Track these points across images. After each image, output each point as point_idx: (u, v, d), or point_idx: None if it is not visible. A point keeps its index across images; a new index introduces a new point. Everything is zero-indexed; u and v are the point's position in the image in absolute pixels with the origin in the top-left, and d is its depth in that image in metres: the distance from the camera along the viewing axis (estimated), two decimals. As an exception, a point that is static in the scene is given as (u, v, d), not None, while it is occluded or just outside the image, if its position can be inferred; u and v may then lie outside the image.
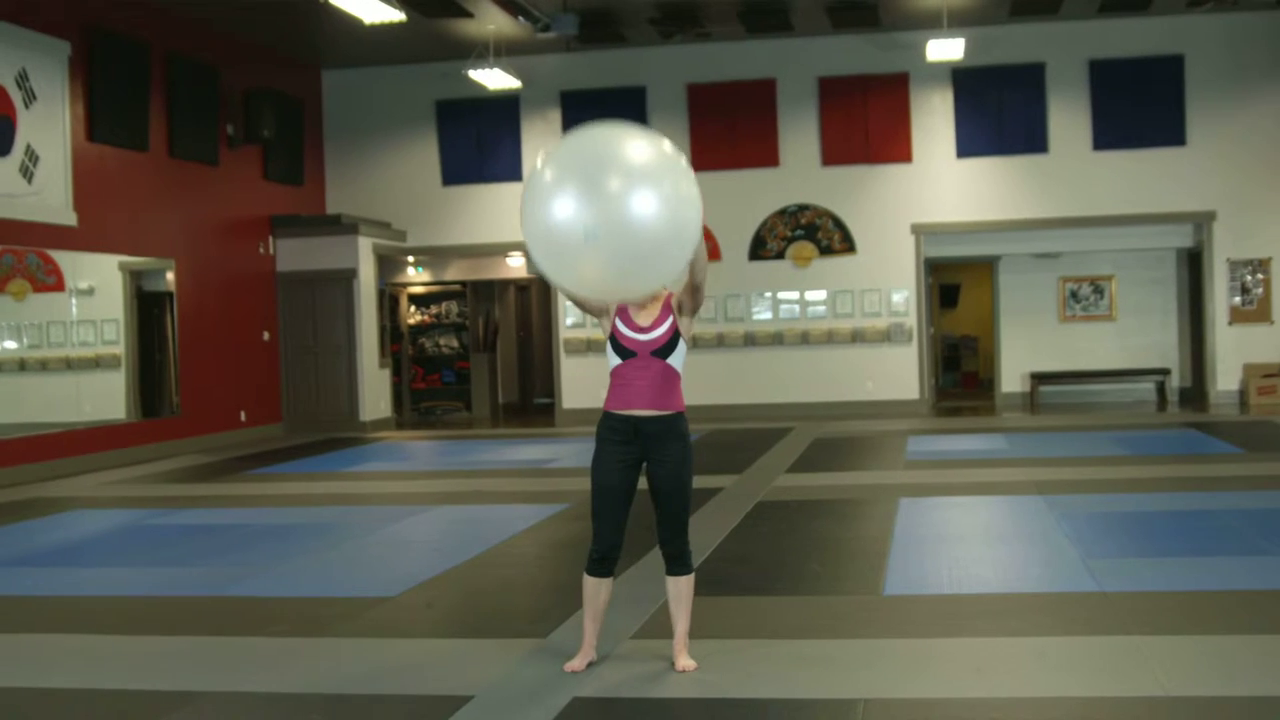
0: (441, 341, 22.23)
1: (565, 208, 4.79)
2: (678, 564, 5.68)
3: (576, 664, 5.67)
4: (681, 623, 5.71)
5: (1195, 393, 20.14)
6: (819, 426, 17.33)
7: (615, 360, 5.62)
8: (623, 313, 5.60)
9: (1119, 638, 5.91)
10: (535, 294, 24.09)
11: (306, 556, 8.84)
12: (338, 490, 12.61)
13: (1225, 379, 19.29)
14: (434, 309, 22.33)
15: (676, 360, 5.59)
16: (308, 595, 7.54)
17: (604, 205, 4.78)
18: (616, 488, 5.63)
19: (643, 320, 5.57)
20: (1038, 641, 5.93)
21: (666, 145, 4.97)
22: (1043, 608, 6.62)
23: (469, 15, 17.16)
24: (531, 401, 23.93)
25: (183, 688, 5.66)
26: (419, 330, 22.32)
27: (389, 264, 20.72)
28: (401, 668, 5.87)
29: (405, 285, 22.15)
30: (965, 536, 8.93)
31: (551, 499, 11.27)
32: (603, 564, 5.68)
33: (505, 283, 22.99)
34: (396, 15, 15.13)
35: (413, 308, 22.35)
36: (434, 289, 22.27)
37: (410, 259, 21.48)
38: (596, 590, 5.69)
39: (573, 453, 15.33)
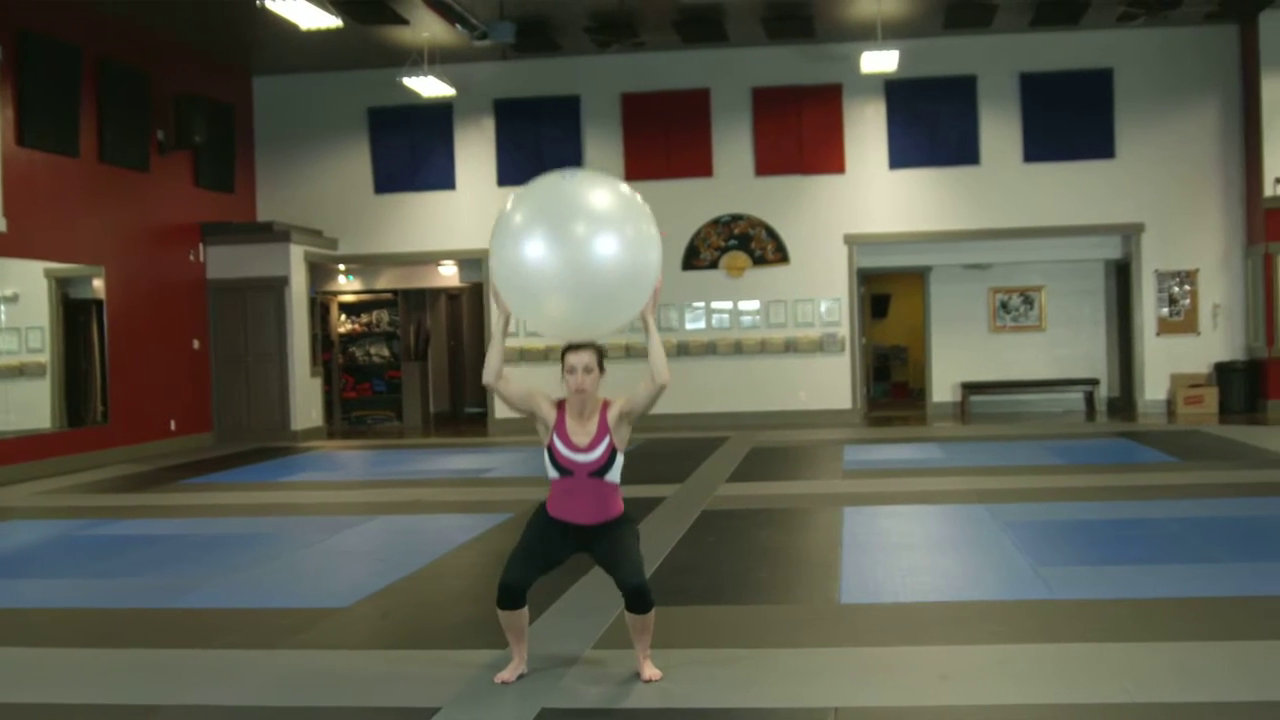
0: (372, 350, 22.06)
1: (533, 249, 5.15)
2: (640, 599, 5.54)
3: (507, 674, 5.64)
4: (642, 645, 5.67)
5: (1123, 402, 20.38)
6: (754, 436, 17.36)
7: (553, 473, 5.63)
8: (559, 428, 5.58)
9: (1080, 645, 5.94)
10: (466, 302, 23.98)
11: (251, 568, 8.71)
12: (274, 500, 12.45)
13: (1153, 389, 19.53)
14: (365, 317, 22.15)
15: (614, 475, 5.62)
16: (257, 606, 7.43)
17: (570, 248, 5.12)
18: (543, 554, 5.67)
19: (579, 439, 5.55)
20: (999, 649, 5.94)
21: (626, 190, 5.34)
22: (1000, 615, 6.64)
23: (404, 22, 17.05)
24: (462, 411, 23.81)
25: (144, 701, 5.56)
26: (349, 339, 22.14)
27: (319, 272, 20.54)
28: (364, 679, 5.79)
29: (336, 293, 21.96)
30: (913, 545, 8.95)
31: (491, 509, 11.20)
32: (508, 596, 5.60)
33: (437, 291, 22.86)
34: (333, 21, 15.02)
35: (343, 316, 22.17)
36: (365, 297, 22.10)
37: (341, 267, 21.30)
38: (510, 620, 5.66)
39: (508, 462, 15.26)
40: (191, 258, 18.68)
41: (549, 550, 5.65)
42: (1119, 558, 8.16)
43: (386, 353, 22.02)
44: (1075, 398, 20.83)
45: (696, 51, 19.68)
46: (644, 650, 5.68)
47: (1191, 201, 19.41)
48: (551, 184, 5.34)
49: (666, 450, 15.91)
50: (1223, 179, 19.33)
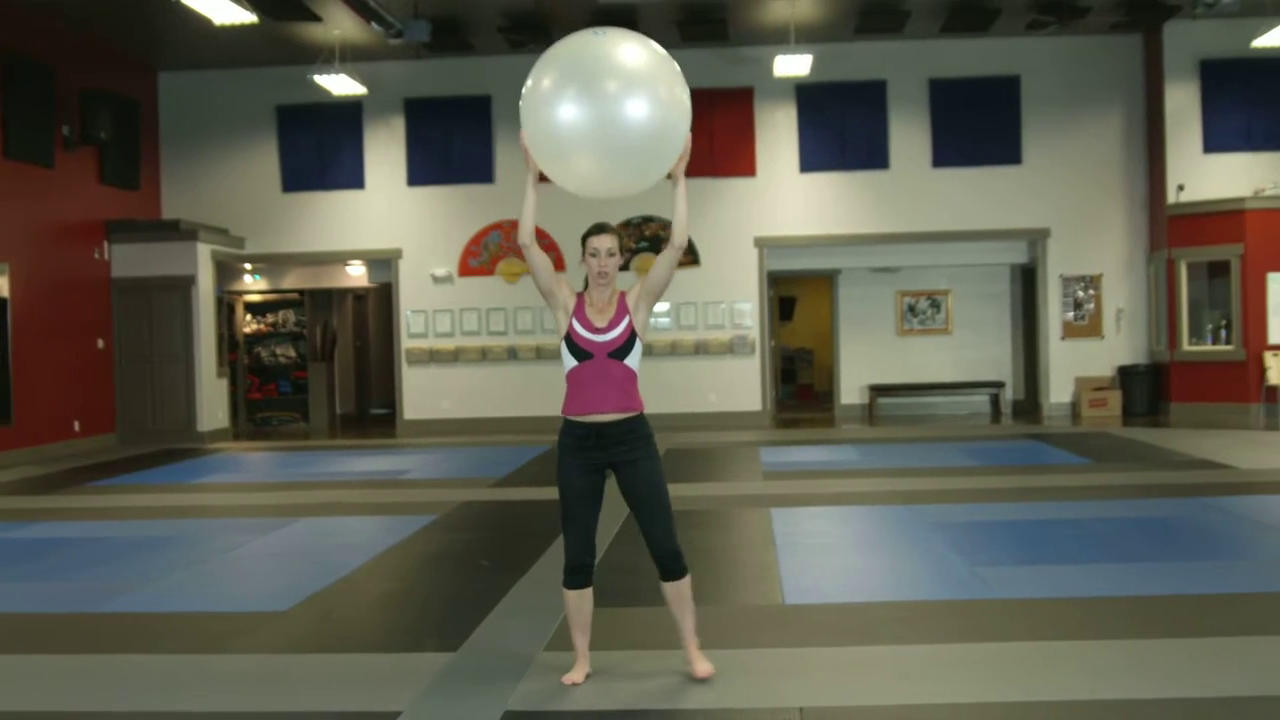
0: (278, 351, 21.77)
1: (563, 111, 5.12)
2: (674, 565, 5.52)
3: (576, 676, 5.56)
4: (688, 622, 5.59)
5: (1028, 405, 20.66)
6: (668, 438, 17.34)
7: (571, 363, 5.52)
8: (579, 312, 5.51)
9: (1033, 643, 6.02)
10: (372, 303, 23.78)
11: (178, 571, 8.55)
12: (189, 503, 12.24)
13: (1058, 392, 19.82)
14: (270, 317, 21.86)
15: (634, 360, 5.52)
16: (195, 611, 7.29)
17: (599, 106, 5.07)
18: (586, 494, 5.52)
19: (599, 321, 5.49)
20: (955, 648, 5.99)
21: (659, 51, 5.27)
22: (946, 615, 6.70)
23: (318, 19, 16.86)
24: (368, 412, 23.61)
25: (94, 708, 5.45)
26: (255, 339, 21.83)
27: (225, 271, 20.23)
28: (318, 683, 5.71)
29: (241, 293, 21.65)
30: (845, 546, 9.01)
31: (415, 510, 11.09)
32: (580, 574, 5.55)
33: (343, 291, 22.64)
34: (248, 17, 14.82)
35: (248, 316, 21.86)
36: (271, 297, 21.81)
37: (248, 266, 21.01)
38: (579, 602, 5.59)
39: (422, 464, 15.15)
40: (96, 255, 18.32)
41: (589, 494, 5.51)
42: (1051, 558, 8.27)
43: (293, 353, 21.76)
44: (981, 400, 21.08)
45: (608, 53, 19.63)
46: (692, 636, 5.59)
47: (1096, 207, 19.74)
48: (583, 40, 5.29)
49: (582, 452, 15.84)
50: (1126, 186, 19.68)
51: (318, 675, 5.84)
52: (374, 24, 15.48)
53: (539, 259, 5.53)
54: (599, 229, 5.57)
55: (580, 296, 5.58)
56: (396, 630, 6.75)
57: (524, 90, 5.31)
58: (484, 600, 7.25)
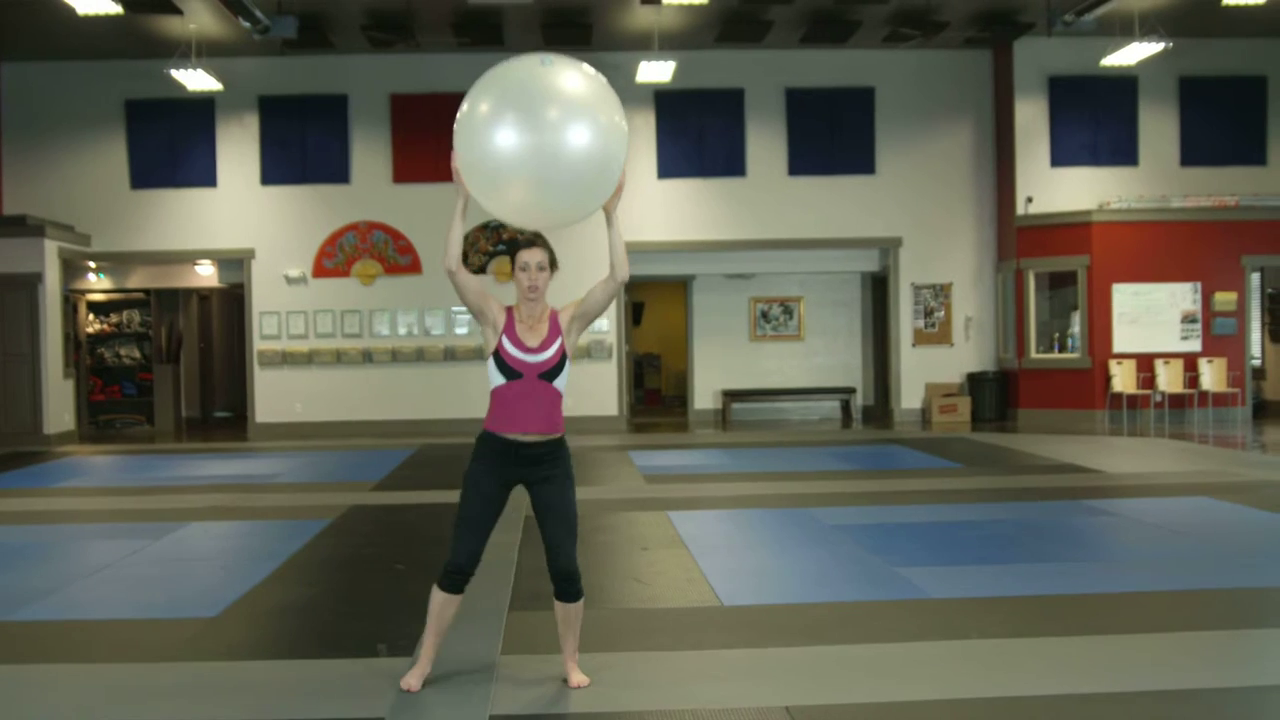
0: (122, 352, 21.16)
1: (501, 137, 4.97)
2: (572, 587, 5.48)
3: (413, 681, 5.46)
4: (571, 642, 5.58)
5: (878, 410, 21.06)
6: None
7: (499, 380, 5.41)
8: (509, 329, 5.42)
9: (995, 641, 6.14)
10: (217, 304, 23.29)
11: (85, 578, 8.23)
12: (62, 507, 11.82)
13: (909, 398, 20.22)
14: (114, 317, 21.24)
15: (561, 383, 5.46)
16: (119, 618, 7.03)
17: (539, 135, 4.93)
18: (491, 502, 5.45)
19: (530, 340, 5.41)
20: (917, 646, 6.07)
21: (600, 79, 5.16)
22: (892, 614, 6.79)
23: (179, 12, 16.47)
24: (211, 415, 23.10)
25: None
26: (98, 339, 21.18)
27: (69, 269, 19.59)
28: (288, 690, 5.54)
29: (84, 292, 20.99)
30: (757, 547, 9.07)
31: (303, 515, 10.85)
32: (460, 577, 5.44)
33: (189, 291, 22.11)
34: (112, 8, 14.42)
35: (91, 315, 21.21)
36: (115, 296, 21.18)
37: (92, 264, 20.39)
38: (445, 606, 5.48)
39: (290, 468, 14.86)
40: (-65, 250, 17.66)
41: (493, 502, 5.44)
42: (966, 559, 8.43)
43: (137, 354, 21.17)
44: (832, 405, 21.43)
45: (468, 54, 19.52)
46: (572, 653, 5.59)
47: (947, 217, 20.20)
48: (523, 68, 5.14)
49: (445, 455, 15.77)
50: (976, 197, 20.19)
51: (282, 681, 5.68)
52: (241, 19, 15.16)
53: (466, 280, 5.41)
54: (528, 243, 5.48)
55: (510, 312, 5.49)
56: (340, 635, 6.58)
57: (460, 113, 5.15)
58: (415, 605, 7.11)
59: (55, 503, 12.21)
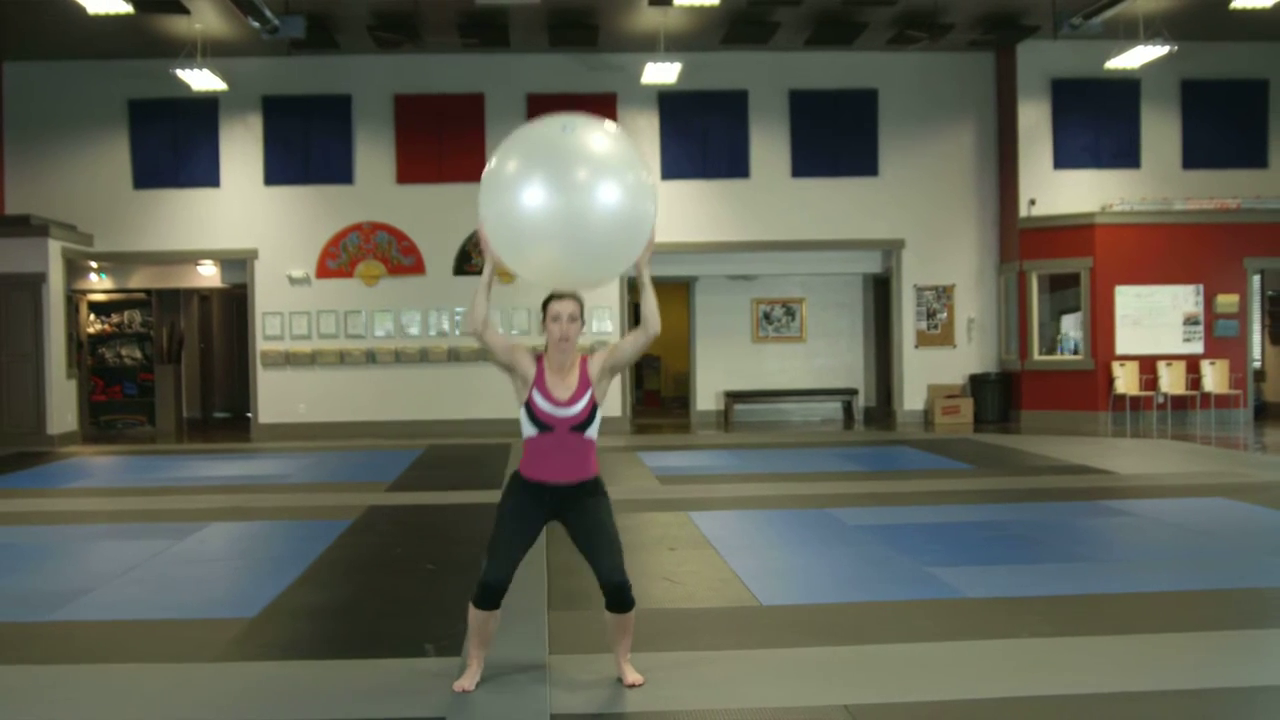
0: (124, 352, 21.11)
1: (528, 196, 4.92)
2: (623, 597, 5.47)
3: (466, 683, 5.48)
4: (624, 645, 5.60)
5: (879, 412, 21.11)
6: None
7: (531, 431, 5.46)
8: (539, 382, 5.45)
9: (1043, 640, 6.18)
10: (217, 304, 23.26)
11: (116, 578, 8.22)
12: (77, 508, 11.77)
13: (911, 399, 20.26)
14: (116, 317, 21.18)
15: (593, 432, 5.51)
16: (158, 618, 7.03)
17: (567, 196, 4.89)
18: (526, 528, 5.49)
19: (560, 393, 5.44)
20: (966, 645, 6.10)
21: (621, 137, 5.13)
22: (930, 613, 6.81)
23: (186, 11, 16.46)
24: (212, 415, 23.07)
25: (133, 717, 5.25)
26: (99, 339, 21.12)
27: (70, 269, 19.54)
28: (342, 690, 5.55)
29: (85, 292, 20.93)
30: (783, 548, 9.09)
31: (322, 515, 10.86)
32: (497, 595, 5.43)
33: (190, 292, 22.08)
34: (123, 7, 14.41)
35: (92, 316, 21.15)
36: (117, 297, 21.12)
37: (94, 264, 20.34)
38: (485, 622, 5.50)
39: (299, 468, 14.85)
40: (-62, 250, 17.61)
41: (528, 527, 5.48)
42: (996, 558, 8.47)
43: (139, 355, 21.11)
44: (834, 407, 21.48)
45: (472, 55, 19.56)
46: (625, 653, 5.61)
47: (949, 219, 20.26)
48: (547, 130, 5.11)
49: (455, 457, 15.80)
50: (979, 199, 20.24)
51: (337, 681, 5.68)
52: (251, 19, 15.14)
53: (494, 341, 5.46)
54: (560, 295, 5.48)
55: (540, 362, 5.51)
56: (384, 635, 6.58)
57: (485, 174, 5.14)
58: (453, 605, 7.15)
59: (69, 503, 12.18)
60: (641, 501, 11.50)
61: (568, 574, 8.10)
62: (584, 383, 5.48)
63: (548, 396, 5.42)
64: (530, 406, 5.43)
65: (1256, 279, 19.69)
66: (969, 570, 7.98)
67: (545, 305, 5.50)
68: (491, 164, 5.12)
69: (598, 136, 5.07)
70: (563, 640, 6.30)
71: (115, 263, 20.36)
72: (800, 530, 9.85)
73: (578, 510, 5.48)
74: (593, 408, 5.47)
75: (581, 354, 5.57)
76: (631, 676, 5.56)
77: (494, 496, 11.48)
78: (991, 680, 5.55)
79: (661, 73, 18.05)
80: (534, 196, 4.91)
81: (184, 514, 11.09)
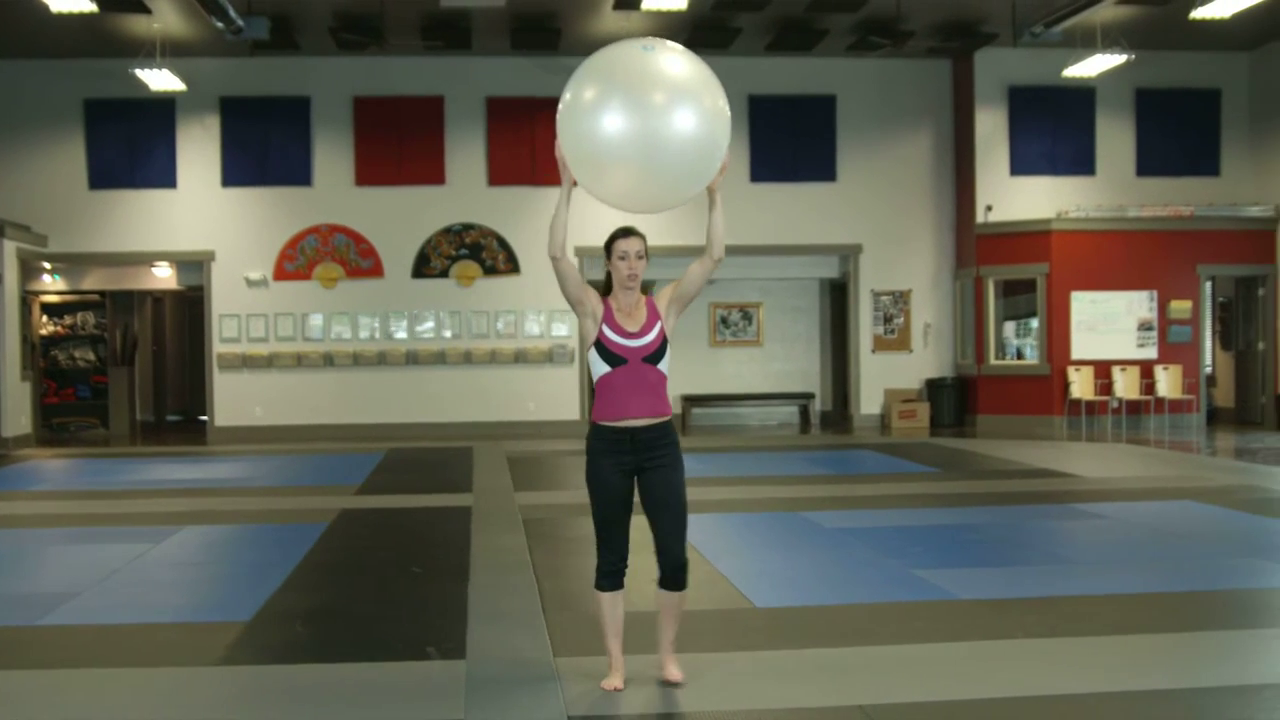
0: (77, 354, 20.91)
1: (607, 119, 5.04)
2: (678, 575, 5.53)
3: (617, 683, 5.50)
4: (669, 634, 5.61)
5: (837, 416, 21.22)
6: (496, 446, 17.28)
7: (603, 368, 5.46)
8: (609, 318, 5.47)
9: (1040, 641, 6.25)
10: (170, 306, 23.08)
11: (102, 582, 8.10)
12: (42, 511, 11.65)
13: (868, 403, 20.38)
14: (69, 319, 20.99)
15: (665, 365, 5.52)
16: (151, 622, 6.98)
17: (645, 119, 5.00)
18: (621, 496, 5.50)
19: (630, 325, 5.46)
20: (965, 645, 6.16)
21: (701, 64, 5.23)
22: (924, 614, 6.87)
23: (147, 11, 16.33)
24: (165, 418, 22.88)
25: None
26: (52, 341, 20.91)
27: (23, 269, 19.31)
28: (358, 692, 5.51)
29: (39, 293, 20.71)
30: (767, 550, 9.13)
31: (296, 518, 10.80)
32: (616, 576, 5.54)
33: (144, 293, 21.89)
34: (87, 6, 14.30)
35: (45, 317, 20.94)
36: (70, 298, 20.94)
37: (47, 265, 20.13)
38: (614, 606, 5.55)
39: (263, 471, 14.78)
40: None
41: (620, 498, 5.49)
42: (979, 561, 8.58)
43: (92, 357, 20.93)
44: (790, 411, 21.56)
45: (432, 58, 19.52)
46: (670, 645, 5.61)
47: (907, 225, 20.41)
48: (625, 53, 5.19)
49: (418, 460, 15.76)
50: (935, 205, 20.41)
51: (345, 685, 5.66)
52: (215, 19, 15.05)
53: (567, 269, 5.49)
54: (626, 232, 5.54)
55: (607, 302, 5.54)
56: (384, 638, 6.55)
57: (563, 99, 5.23)
58: (447, 606, 7.16)
59: (33, 507, 12.06)
60: (615, 504, 11.47)
61: (556, 576, 8.13)
62: (653, 315, 5.51)
63: (618, 330, 5.45)
64: (601, 341, 5.46)
65: (1209, 285, 19.93)
66: (955, 572, 8.05)
67: (609, 244, 5.53)
68: (568, 90, 5.21)
69: (676, 60, 5.17)
70: (565, 643, 6.30)
71: (69, 264, 20.17)
72: (780, 533, 9.89)
73: (657, 471, 5.49)
74: (663, 338, 5.50)
75: (645, 294, 5.59)
76: (674, 673, 5.56)
77: (465, 500, 11.63)
78: (1000, 680, 5.61)
79: (620, 77, 18.05)
80: (612, 122, 5.04)
81: (155, 517, 11.00)
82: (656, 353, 5.48)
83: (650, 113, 5.03)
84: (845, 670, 5.79)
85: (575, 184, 5.36)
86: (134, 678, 5.86)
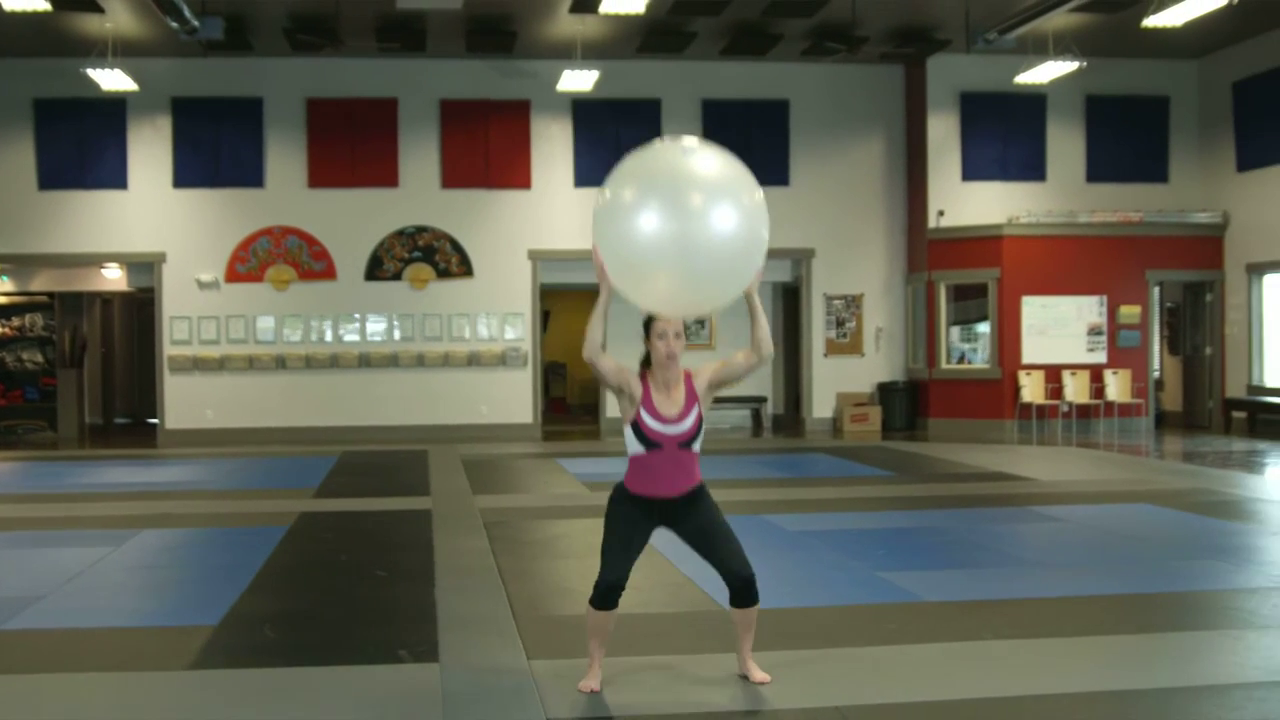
0: (25, 356, 20.72)
1: (644, 224, 4.89)
2: (750, 591, 5.58)
3: (594, 684, 5.56)
4: (747, 643, 5.71)
5: (789, 419, 21.29)
6: (451, 449, 17.25)
7: (638, 448, 5.50)
8: (646, 401, 5.48)
9: (1008, 642, 6.32)
10: (119, 307, 22.89)
11: (64, 585, 8.05)
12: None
13: (820, 407, 20.48)
14: (17, 321, 20.78)
15: (699, 445, 5.57)
16: (119, 626, 6.94)
17: (685, 222, 4.85)
18: (637, 531, 5.57)
19: (668, 410, 5.47)
20: (938, 647, 6.22)
21: (732, 159, 5.09)
22: (897, 616, 6.93)
23: (100, 10, 16.20)
24: (113, 421, 22.69)
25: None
26: (-1, 343, 20.74)
27: (-31, 271, 19.20)
28: (337, 696, 5.51)
29: (-15, 295, 20.54)
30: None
31: (255, 522, 10.77)
32: (615, 596, 5.55)
33: (93, 295, 21.70)
34: (41, 4, 14.18)
35: (-9, 319, 20.75)
36: (18, 300, 20.73)
37: (-3, 266, 19.95)
38: (604, 622, 5.59)
39: (219, 474, 14.71)
40: None
41: (639, 534, 5.56)
42: (942, 563, 8.67)
43: (40, 359, 20.73)
44: (742, 414, 21.61)
45: (385, 60, 19.47)
46: (748, 650, 5.71)
47: (858, 228, 20.52)
48: (663, 154, 5.10)
49: (373, 463, 15.69)
50: (888, 209, 20.53)
51: (320, 688, 5.66)
52: (170, 19, 14.93)
53: (607, 366, 5.45)
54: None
55: (645, 381, 5.54)
56: (355, 641, 6.54)
57: (600, 201, 5.11)
58: (415, 610, 7.17)
59: (-11, 509, 11.96)
60: (574, 508, 11.52)
61: (522, 579, 8.14)
62: (691, 398, 5.53)
63: (656, 415, 5.46)
64: (639, 425, 5.47)
65: (1157, 290, 20.14)
66: (919, 574, 8.12)
67: (648, 323, 5.49)
68: (607, 191, 5.08)
69: (712, 159, 5.05)
70: (538, 646, 6.31)
71: (18, 265, 19.97)
72: (742, 535, 9.66)
73: (687, 515, 5.57)
74: (700, 423, 5.52)
75: (684, 370, 5.60)
76: (758, 674, 5.65)
77: (424, 503, 11.62)
78: (973, 681, 5.67)
79: (578, 80, 18.10)
80: (650, 223, 4.89)
81: (112, 520, 10.93)
82: (692, 438, 5.53)
83: (689, 215, 4.88)
84: (819, 672, 5.84)
85: (612, 291, 5.26)
86: (106, 682, 5.83)
